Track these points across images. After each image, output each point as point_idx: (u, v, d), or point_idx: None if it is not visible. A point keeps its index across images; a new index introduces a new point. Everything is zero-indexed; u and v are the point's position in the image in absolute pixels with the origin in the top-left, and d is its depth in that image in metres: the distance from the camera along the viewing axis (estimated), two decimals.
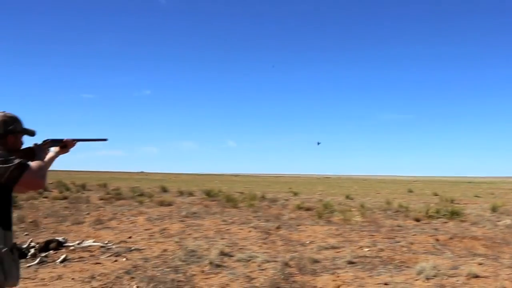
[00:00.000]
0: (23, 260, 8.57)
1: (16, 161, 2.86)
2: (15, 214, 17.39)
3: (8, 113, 3.15)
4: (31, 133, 3.25)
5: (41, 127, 3.41)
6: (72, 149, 3.50)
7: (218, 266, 8.41)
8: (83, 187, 36.88)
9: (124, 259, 9.25)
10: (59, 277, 7.62)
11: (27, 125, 3.26)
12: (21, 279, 3.67)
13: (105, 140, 3.76)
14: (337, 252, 10.07)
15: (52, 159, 3.29)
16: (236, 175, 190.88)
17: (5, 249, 2.89)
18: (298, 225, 14.09)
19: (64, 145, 3.42)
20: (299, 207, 20.68)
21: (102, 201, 24.10)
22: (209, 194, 28.12)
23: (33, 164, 2.95)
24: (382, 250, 10.28)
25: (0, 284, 2.87)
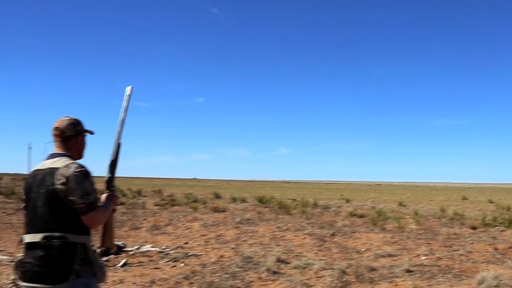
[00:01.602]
0: None
1: (91, 199, 3.07)
2: None
3: (71, 116, 3.36)
4: (91, 133, 3.45)
5: (98, 135, 3.58)
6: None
7: (275, 273, 8.34)
8: (139, 193, 37.47)
9: (182, 264, 9.30)
10: (121, 281, 7.71)
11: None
12: None
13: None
14: (394, 260, 9.85)
15: (109, 214, 3.39)
16: (288, 182, 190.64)
17: (98, 249, 3.27)
18: (353, 233, 13.87)
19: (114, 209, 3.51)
20: (352, 214, 20.41)
21: (157, 207, 24.40)
22: (261, 200, 28.07)
23: (99, 210, 3.17)
24: (440, 258, 10.00)
25: (100, 280, 3.18)
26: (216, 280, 7.77)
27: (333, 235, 13.22)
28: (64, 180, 3.01)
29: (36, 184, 3.11)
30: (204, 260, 9.76)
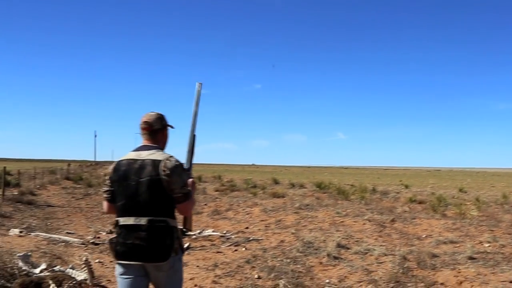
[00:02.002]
0: None
1: (187, 189, 3.47)
2: None
3: (157, 111, 3.67)
4: (172, 127, 3.74)
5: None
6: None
7: (335, 258, 8.34)
8: (199, 179, 38.00)
9: (244, 248, 9.43)
10: (185, 264, 7.86)
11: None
12: None
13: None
14: (456, 247, 9.66)
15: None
16: (346, 168, 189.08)
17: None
18: (413, 219, 13.66)
19: None
20: (412, 200, 20.12)
21: (217, 192, 24.76)
22: (320, 186, 27.99)
23: (192, 199, 3.55)
24: (503, 246, 9.73)
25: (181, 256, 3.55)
26: (278, 264, 7.84)
27: (393, 221, 13.07)
28: (168, 172, 3.36)
29: (135, 172, 3.43)
30: (265, 244, 9.87)
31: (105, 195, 3.59)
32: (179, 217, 3.52)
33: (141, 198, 3.38)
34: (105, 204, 3.64)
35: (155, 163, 3.39)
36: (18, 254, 7.10)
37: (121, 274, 3.46)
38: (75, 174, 42.50)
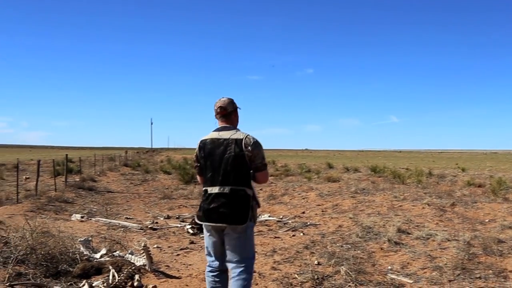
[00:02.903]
0: None
1: (265, 161, 4.27)
2: (196, 189, 18.23)
3: (227, 97, 4.39)
4: (239, 108, 4.44)
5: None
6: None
7: (396, 243, 7.97)
8: None
9: (302, 234, 9.20)
10: None
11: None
12: None
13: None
14: None
15: None
16: (399, 151, 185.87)
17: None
18: (474, 202, 13.05)
19: None
20: (470, 184, 19.36)
21: (272, 177, 24.54)
22: (375, 170, 27.40)
23: (267, 170, 4.37)
24: None
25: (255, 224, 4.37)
26: (337, 250, 7.56)
27: (453, 205, 12.51)
28: (250, 148, 4.11)
29: (220, 149, 4.17)
30: (323, 229, 9.61)
31: (196, 171, 4.50)
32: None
33: (225, 171, 4.12)
34: (198, 178, 4.52)
35: (237, 141, 4.13)
36: (79, 239, 7.10)
37: (206, 233, 4.31)
38: (133, 161, 43.16)
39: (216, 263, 4.32)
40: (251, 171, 4.20)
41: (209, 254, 4.38)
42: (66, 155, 21.06)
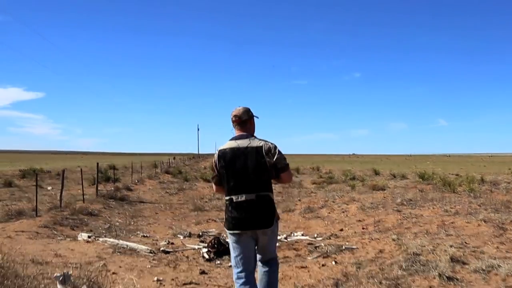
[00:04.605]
0: None
1: (287, 162, 4.32)
2: None
3: (243, 106, 4.44)
4: (257, 117, 4.49)
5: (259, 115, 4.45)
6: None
7: (449, 279, 6.03)
8: (297, 170, 36.24)
9: (333, 262, 7.45)
10: None
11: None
12: None
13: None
14: None
15: None
16: (448, 155, 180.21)
17: None
18: None
19: None
20: None
21: (314, 185, 22.87)
22: (423, 177, 25.20)
23: (290, 169, 4.40)
24: None
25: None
26: None
27: None
28: (271, 154, 4.20)
29: (241, 158, 4.19)
30: (360, 256, 7.81)
31: (214, 180, 4.46)
32: None
33: (249, 179, 4.17)
34: (214, 187, 4.54)
35: (258, 149, 4.19)
36: (55, 275, 5.62)
37: (235, 242, 4.25)
38: (175, 168, 41.90)
39: (243, 273, 4.24)
40: (275, 172, 4.25)
41: (237, 265, 4.29)
42: (97, 163, 19.82)
